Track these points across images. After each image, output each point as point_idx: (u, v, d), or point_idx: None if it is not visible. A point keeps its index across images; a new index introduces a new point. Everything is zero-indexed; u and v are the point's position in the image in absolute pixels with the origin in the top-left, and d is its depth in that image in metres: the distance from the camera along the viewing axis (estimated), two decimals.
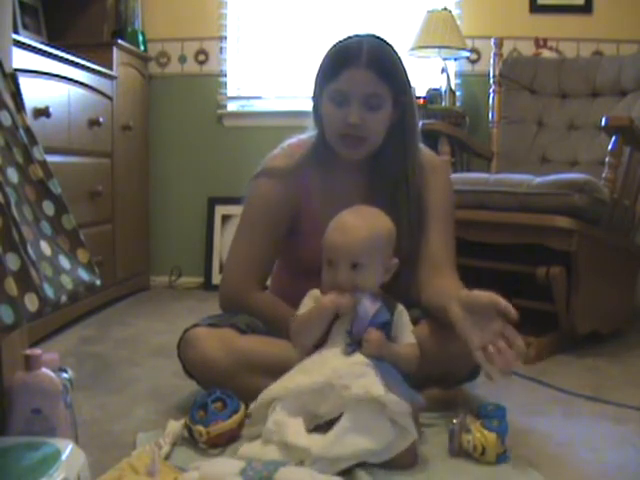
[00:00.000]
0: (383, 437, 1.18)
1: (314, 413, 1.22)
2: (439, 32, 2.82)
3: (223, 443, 1.28)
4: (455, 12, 2.99)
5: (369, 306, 1.28)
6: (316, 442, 1.15)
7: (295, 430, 1.18)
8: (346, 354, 1.26)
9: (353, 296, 1.29)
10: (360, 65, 1.45)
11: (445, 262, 1.52)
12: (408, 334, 1.34)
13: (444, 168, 1.68)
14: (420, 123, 1.63)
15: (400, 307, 1.35)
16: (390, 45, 1.51)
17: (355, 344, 1.27)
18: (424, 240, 1.54)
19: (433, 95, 2.98)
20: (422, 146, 1.62)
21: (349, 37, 1.51)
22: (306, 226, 1.58)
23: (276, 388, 1.25)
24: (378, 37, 1.51)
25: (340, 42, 1.51)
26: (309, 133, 1.62)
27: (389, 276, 1.37)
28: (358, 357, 1.25)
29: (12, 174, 1.07)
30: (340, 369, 1.22)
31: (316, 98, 1.55)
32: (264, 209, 1.59)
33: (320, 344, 1.32)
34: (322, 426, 1.21)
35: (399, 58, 1.52)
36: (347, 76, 1.46)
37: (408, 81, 1.53)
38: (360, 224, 1.33)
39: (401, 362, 1.30)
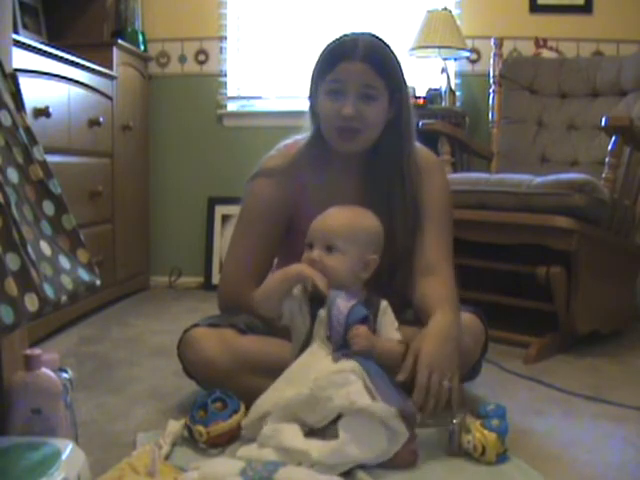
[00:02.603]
0: (379, 445, 1.17)
1: (304, 422, 1.21)
2: (439, 32, 2.82)
3: (223, 443, 1.28)
4: (455, 12, 2.99)
5: (342, 305, 1.28)
6: (315, 447, 1.15)
7: (292, 434, 1.17)
8: (335, 360, 1.24)
9: (319, 273, 1.29)
10: (355, 58, 1.45)
11: (438, 262, 1.52)
12: (392, 330, 1.33)
13: (440, 167, 1.67)
14: (419, 123, 1.63)
15: (384, 303, 1.35)
16: (386, 43, 1.52)
17: (342, 348, 1.25)
18: (418, 240, 1.54)
19: (433, 95, 2.98)
20: (418, 145, 1.62)
21: (345, 35, 1.51)
22: (303, 224, 1.57)
23: (265, 403, 1.24)
24: (374, 35, 1.52)
25: (335, 40, 1.52)
26: (306, 134, 1.62)
27: (367, 274, 1.37)
28: (343, 364, 1.22)
29: (12, 174, 1.07)
30: (321, 379, 1.20)
31: (312, 96, 1.56)
32: (261, 209, 1.59)
33: (304, 347, 1.31)
34: (316, 431, 1.21)
35: (395, 56, 1.52)
36: (342, 68, 1.46)
37: (404, 79, 1.53)
38: (343, 214, 1.39)
39: (388, 358, 1.28)
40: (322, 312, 1.29)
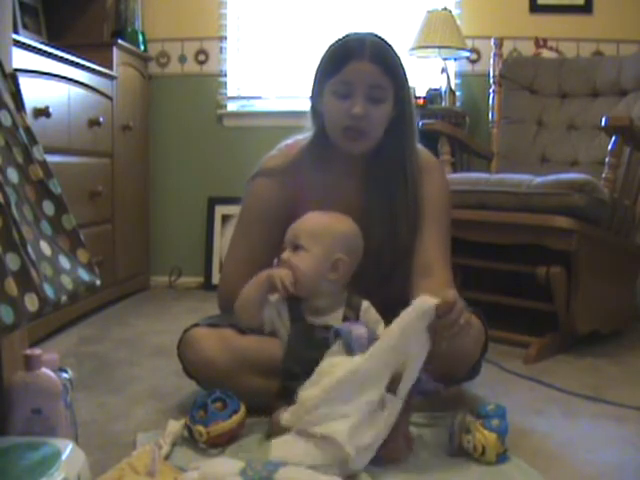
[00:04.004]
0: (380, 433, 1.18)
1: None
2: (439, 32, 2.82)
3: (223, 443, 1.28)
4: (455, 12, 2.99)
5: (360, 334, 1.27)
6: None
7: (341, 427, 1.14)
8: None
9: (288, 270, 1.34)
10: (364, 58, 1.45)
11: (437, 262, 1.52)
12: (377, 328, 1.36)
13: (439, 168, 1.68)
14: (420, 123, 1.63)
15: (365, 304, 1.38)
16: (389, 43, 1.52)
17: None
18: (417, 239, 1.54)
19: (433, 95, 2.98)
20: (418, 146, 1.62)
21: (347, 35, 1.51)
22: None
23: (311, 393, 1.20)
24: (377, 35, 1.52)
25: (340, 40, 1.51)
26: (307, 134, 1.62)
27: (336, 275, 1.38)
28: None
29: (12, 174, 1.07)
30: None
31: (314, 97, 1.55)
32: (261, 209, 1.59)
33: (289, 353, 1.34)
34: None
35: (398, 55, 1.53)
36: (351, 68, 1.46)
37: (406, 77, 1.54)
38: (314, 218, 1.41)
39: None
40: (335, 346, 1.28)
